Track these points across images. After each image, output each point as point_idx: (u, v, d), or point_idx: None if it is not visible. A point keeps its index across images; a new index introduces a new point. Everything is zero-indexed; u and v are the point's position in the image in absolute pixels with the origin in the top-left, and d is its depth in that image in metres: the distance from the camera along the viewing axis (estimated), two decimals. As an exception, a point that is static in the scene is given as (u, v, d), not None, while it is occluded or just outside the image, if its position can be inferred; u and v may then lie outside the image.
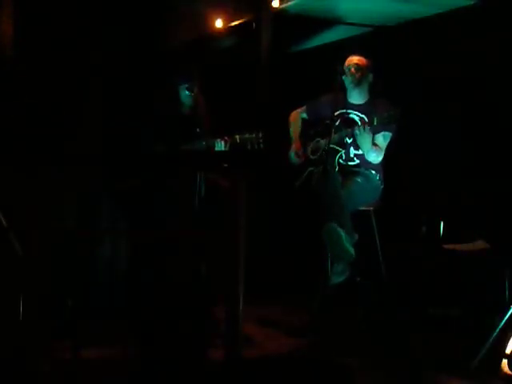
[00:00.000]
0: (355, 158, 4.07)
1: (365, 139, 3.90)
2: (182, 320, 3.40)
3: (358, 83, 4.07)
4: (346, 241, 3.67)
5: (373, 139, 3.95)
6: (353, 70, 4.04)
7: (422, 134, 4.44)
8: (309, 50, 5.58)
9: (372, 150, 3.95)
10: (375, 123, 3.85)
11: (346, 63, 4.08)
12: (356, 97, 4.13)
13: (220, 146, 4.09)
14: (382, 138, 3.98)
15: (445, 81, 4.44)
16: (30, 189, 3.89)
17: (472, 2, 4.35)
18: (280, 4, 4.81)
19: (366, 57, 4.10)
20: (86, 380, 3.04)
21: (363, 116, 4.03)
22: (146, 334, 3.30)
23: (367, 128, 3.86)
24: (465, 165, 4.32)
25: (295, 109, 4.42)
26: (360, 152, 4.05)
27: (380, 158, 4.02)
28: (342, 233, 3.66)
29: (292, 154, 4.26)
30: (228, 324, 3.01)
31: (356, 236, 3.80)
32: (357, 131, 3.89)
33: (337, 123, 4.06)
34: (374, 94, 4.14)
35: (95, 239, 4.21)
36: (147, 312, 3.63)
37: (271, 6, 4.84)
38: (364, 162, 4.05)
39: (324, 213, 3.71)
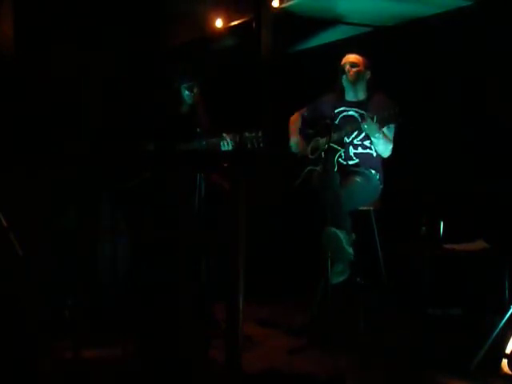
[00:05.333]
0: (355, 158, 4.06)
1: (371, 129, 3.85)
2: (182, 320, 3.40)
3: (354, 81, 4.07)
4: (346, 242, 3.68)
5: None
6: (348, 67, 4.05)
7: (421, 134, 4.44)
8: (309, 50, 5.58)
9: (381, 138, 3.89)
10: (375, 121, 3.83)
11: (343, 61, 4.09)
12: (353, 94, 4.13)
13: (225, 145, 4.08)
14: (387, 130, 3.96)
15: (444, 81, 4.44)
16: (30, 189, 3.90)
17: (472, 2, 4.35)
18: (280, 4, 4.81)
19: (363, 55, 4.10)
20: (86, 380, 3.04)
21: (363, 112, 4.02)
22: (146, 334, 3.30)
23: (369, 120, 3.83)
24: (465, 165, 4.32)
25: (295, 108, 4.41)
26: (359, 151, 4.05)
27: (389, 149, 3.97)
28: (342, 235, 3.67)
29: (292, 143, 4.27)
30: (228, 324, 3.01)
31: (353, 235, 3.80)
32: (365, 125, 3.85)
33: (336, 121, 4.06)
34: (372, 90, 4.13)
35: (95, 239, 4.21)
36: (147, 312, 3.63)
37: (271, 6, 4.84)
38: (364, 162, 4.04)
39: (323, 213, 3.71)
